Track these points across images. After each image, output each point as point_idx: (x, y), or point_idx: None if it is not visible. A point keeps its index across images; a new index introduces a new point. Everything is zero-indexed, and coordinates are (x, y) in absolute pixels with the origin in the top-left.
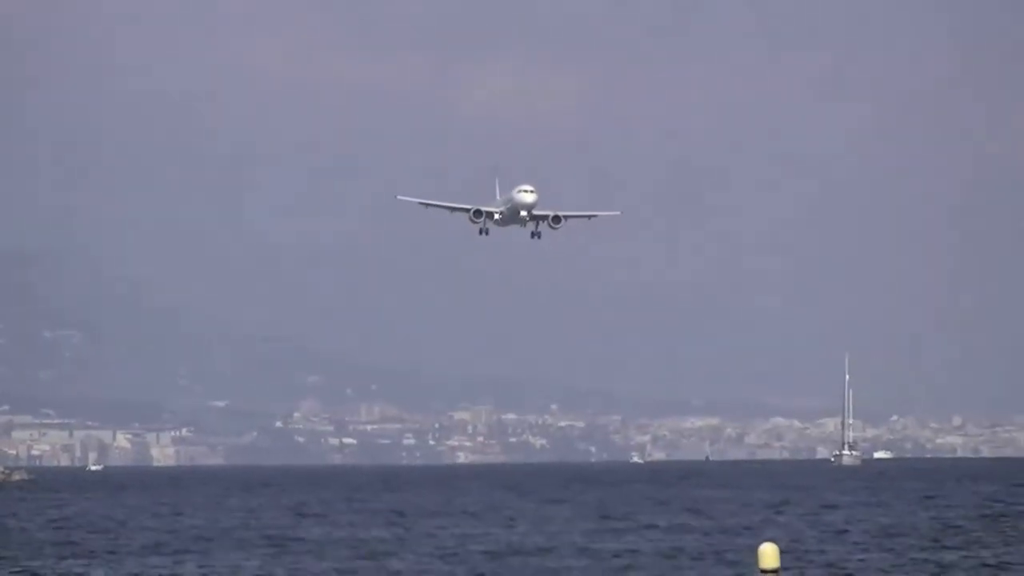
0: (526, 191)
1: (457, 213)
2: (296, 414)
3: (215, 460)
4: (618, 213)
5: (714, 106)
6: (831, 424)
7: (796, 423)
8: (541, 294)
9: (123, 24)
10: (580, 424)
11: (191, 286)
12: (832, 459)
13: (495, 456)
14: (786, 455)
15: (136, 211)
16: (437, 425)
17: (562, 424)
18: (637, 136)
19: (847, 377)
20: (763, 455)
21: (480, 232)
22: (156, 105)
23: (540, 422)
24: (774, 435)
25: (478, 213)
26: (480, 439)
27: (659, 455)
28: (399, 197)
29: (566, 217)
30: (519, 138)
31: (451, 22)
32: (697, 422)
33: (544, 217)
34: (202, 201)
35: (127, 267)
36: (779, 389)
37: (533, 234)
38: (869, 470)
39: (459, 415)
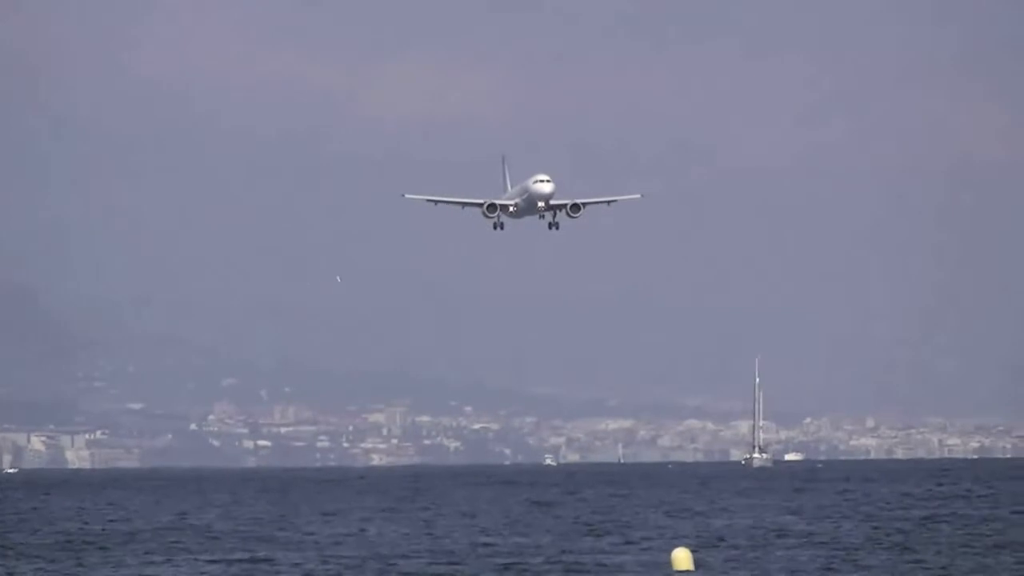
0: (543, 181)
1: (469, 208)
2: (211, 416)
3: (130, 463)
4: (638, 196)
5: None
6: (744, 426)
7: (710, 425)
8: (455, 294)
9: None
10: (495, 426)
11: (107, 288)
12: (743, 461)
13: (409, 458)
14: (700, 457)
15: (45, 209)
16: (351, 427)
17: (476, 426)
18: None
19: (757, 379)
20: (677, 457)
21: (495, 227)
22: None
23: (454, 424)
24: (688, 437)
25: (492, 207)
26: (394, 441)
27: (573, 457)
28: (406, 195)
29: (584, 204)
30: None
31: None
32: (611, 424)
33: (562, 206)
34: (121, 198)
35: (38, 267)
36: (693, 391)
37: (551, 225)
38: (767, 473)
39: (373, 417)
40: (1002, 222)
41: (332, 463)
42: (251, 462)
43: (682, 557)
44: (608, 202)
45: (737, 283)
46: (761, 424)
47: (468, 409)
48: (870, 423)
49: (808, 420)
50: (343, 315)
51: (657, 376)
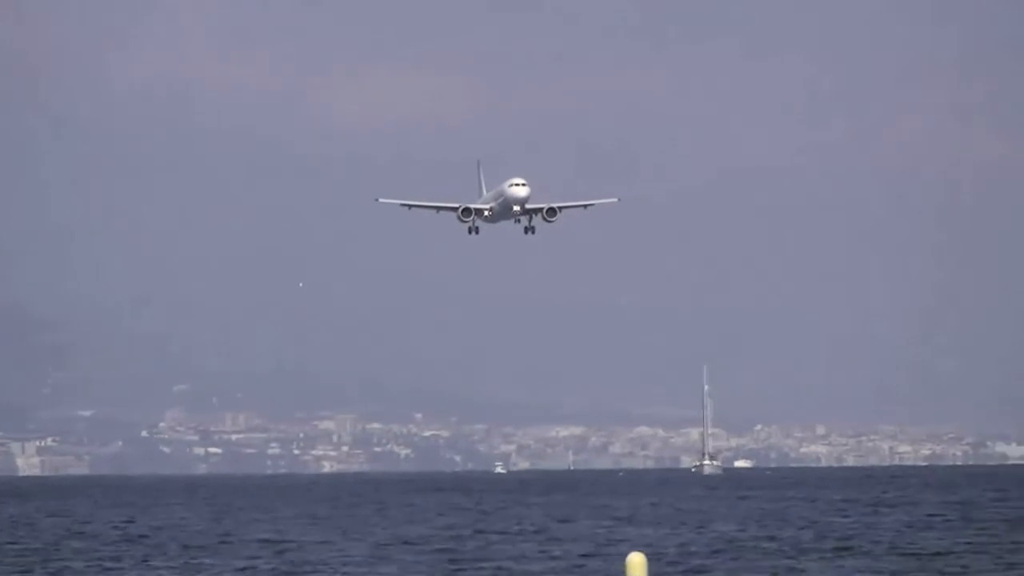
0: (518, 184)
1: (444, 213)
2: (162, 424)
3: (81, 470)
4: (615, 200)
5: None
6: (695, 433)
7: (660, 432)
8: (405, 299)
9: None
10: (445, 433)
11: (59, 294)
12: (693, 469)
13: (360, 465)
14: (651, 464)
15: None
16: (301, 435)
17: (427, 433)
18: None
19: (705, 387)
20: (628, 464)
21: (469, 231)
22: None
23: (405, 431)
24: (639, 444)
25: (467, 211)
26: (345, 448)
27: (524, 464)
28: (380, 200)
29: (561, 209)
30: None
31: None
32: (562, 431)
33: (538, 211)
34: (71, 203)
35: None
36: (644, 398)
37: (527, 229)
38: (714, 480)
39: (324, 424)
40: (986, 225)
41: (283, 470)
42: (202, 469)
43: (637, 562)
44: (585, 206)
45: (693, 289)
46: (711, 431)
47: (419, 416)
48: (821, 431)
49: (759, 427)
50: (295, 321)
51: (608, 383)
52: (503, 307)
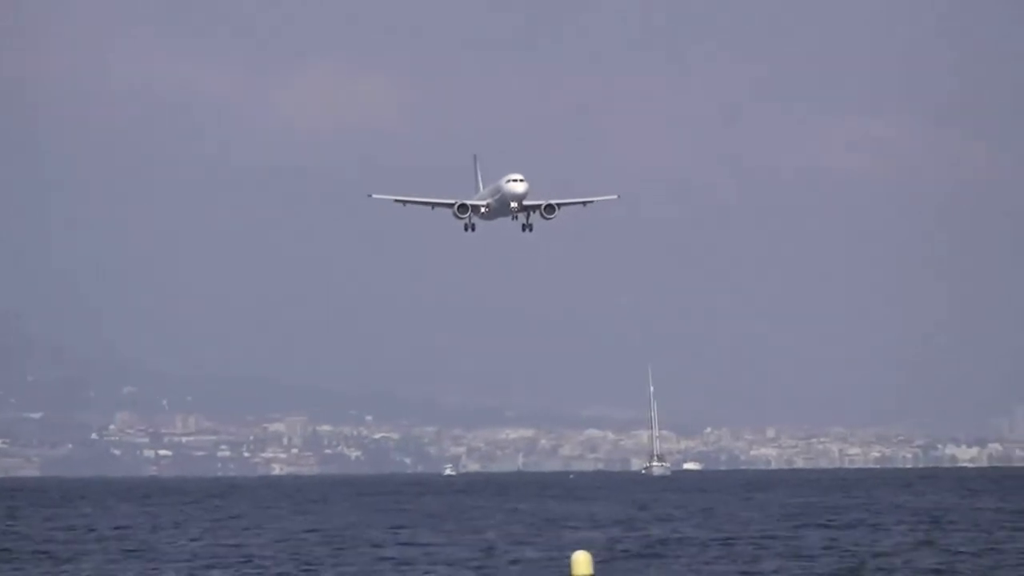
0: (516, 180)
1: (439, 209)
2: (112, 426)
3: (31, 472)
4: (615, 197)
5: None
6: (645, 435)
7: (610, 434)
8: (356, 301)
9: None
10: (395, 435)
11: (4, 297)
12: (642, 471)
13: (310, 468)
14: (601, 466)
15: None
16: (252, 437)
17: (377, 436)
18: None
19: (651, 389)
20: (578, 467)
21: (466, 228)
22: None
23: (355, 433)
24: (588, 446)
25: (463, 208)
26: (295, 451)
27: (474, 467)
28: (373, 196)
29: (560, 205)
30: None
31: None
32: (512, 434)
33: (536, 207)
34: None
35: None
36: (594, 400)
37: (524, 227)
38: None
39: (274, 427)
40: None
41: (233, 472)
42: (152, 471)
43: (582, 560)
44: (584, 203)
45: (644, 291)
46: (661, 434)
47: (369, 418)
48: (771, 433)
49: (709, 430)
50: (245, 324)
51: (558, 386)
52: (453, 311)
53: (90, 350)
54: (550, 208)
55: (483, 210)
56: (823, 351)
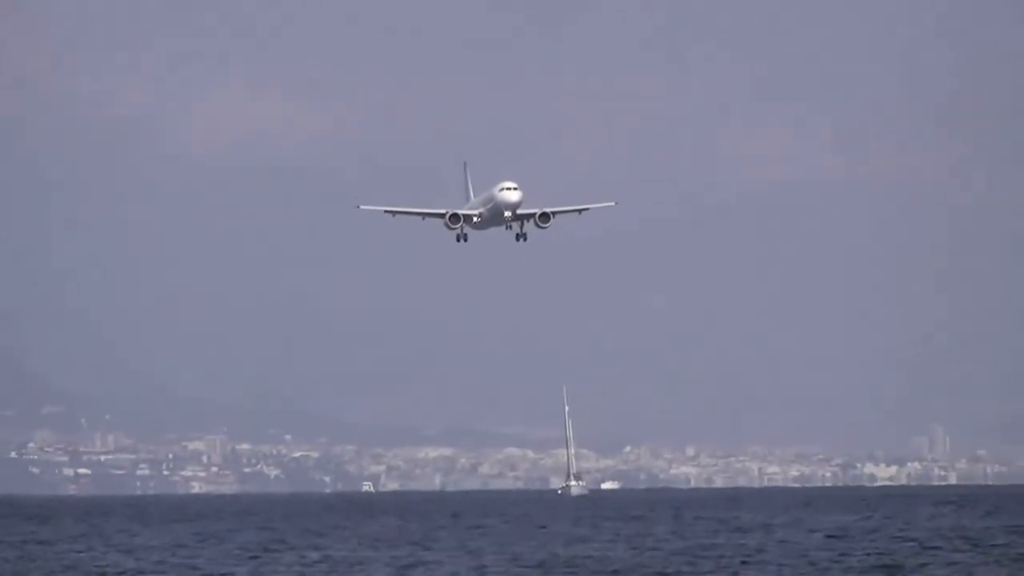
0: (510, 188)
1: (430, 219)
2: (31, 444)
3: None
4: (612, 204)
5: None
6: (564, 454)
7: (530, 453)
8: (274, 317)
9: None
10: (315, 454)
11: None
12: (559, 491)
13: (230, 487)
14: (520, 485)
15: None
16: (171, 455)
17: (296, 454)
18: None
19: (567, 408)
20: (497, 485)
21: (458, 239)
22: None
23: (275, 452)
24: (508, 465)
25: (455, 218)
26: (215, 469)
27: (393, 485)
28: (361, 207)
29: (555, 214)
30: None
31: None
32: (431, 452)
33: (530, 216)
34: None
35: None
36: (513, 418)
37: (518, 236)
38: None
39: (193, 445)
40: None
41: (152, 491)
42: (71, 490)
43: None
44: (580, 211)
45: (563, 311)
46: (579, 452)
47: (288, 437)
48: (690, 451)
49: (628, 449)
50: (161, 341)
51: (477, 403)
52: (373, 326)
53: (8, 368)
54: (545, 217)
55: (475, 220)
56: (742, 367)
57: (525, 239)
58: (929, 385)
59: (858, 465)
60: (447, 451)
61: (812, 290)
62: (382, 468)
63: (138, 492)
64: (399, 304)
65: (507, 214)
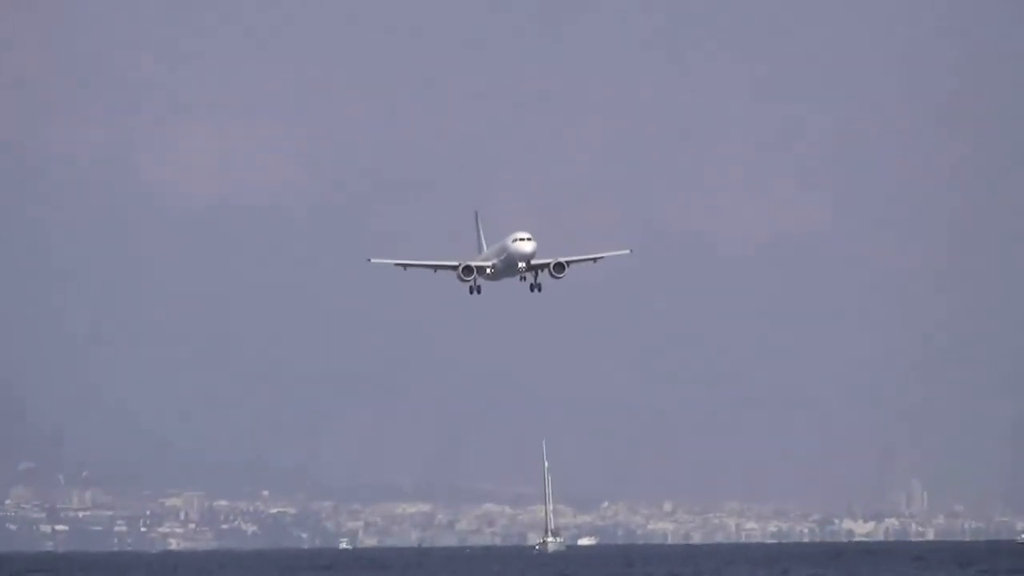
0: (523, 239)
1: (442, 272)
2: (7, 501)
3: None
4: (628, 251)
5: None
6: (542, 510)
7: (508, 509)
8: (253, 374)
9: None
10: (292, 510)
11: None
12: (536, 547)
13: (207, 543)
14: (498, 541)
15: None
16: (148, 512)
17: (274, 510)
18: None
19: (546, 463)
20: (474, 541)
21: (471, 291)
22: None
23: (252, 508)
24: (486, 521)
25: (468, 270)
26: (192, 526)
27: (370, 541)
28: (372, 260)
29: (569, 263)
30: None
31: None
32: (408, 508)
33: (544, 266)
34: None
35: None
36: (491, 474)
37: (532, 287)
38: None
39: (170, 501)
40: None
41: (130, 547)
42: (48, 546)
43: None
44: (595, 259)
45: (543, 361)
46: (557, 508)
47: (266, 493)
48: (667, 507)
49: (605, 504)
50: (136, 398)
51: (453, 459)
52: (347, 379)
53: None
54: (559, 267)
55: (488, 271)
56: (724, 421)
57: (540, 290)
58: (907, 439)
59: (836, 520)
60: (424, 507)
61: (794, 328)
62: (360, 524)
63: (115, 548)
64: (375, 357)
65: (521, 265)
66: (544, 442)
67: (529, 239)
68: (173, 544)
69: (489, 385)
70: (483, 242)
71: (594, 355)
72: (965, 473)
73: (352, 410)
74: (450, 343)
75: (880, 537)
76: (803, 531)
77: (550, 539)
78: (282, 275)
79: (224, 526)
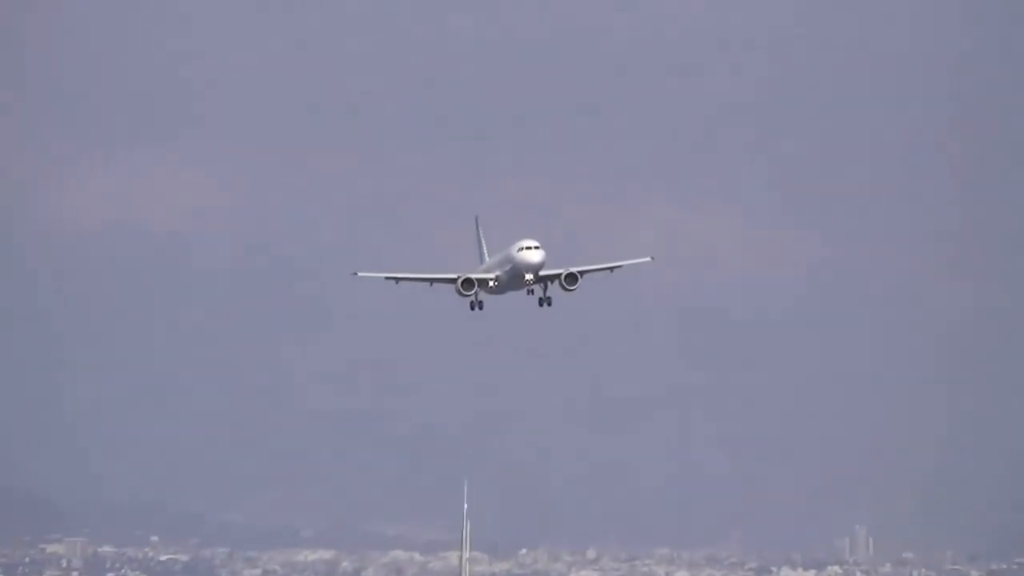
0: (531, 248)
1: (439, 286)
2: None
3: None
4: (649, 259)
5: None
6: (455, 557)
7: (417, 556)
8: (141, 411)
9: None
10: (184, 557)
11: None
12: None
13: None
14: None
15: None
16: (27, 559)
17: (163, 558)
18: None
19: (465, 507)
20: None
21: (472, 307)
22: None
23: (140, 555)
24: (394, 569)
25: (468, 283)
26: (75, 574)
27: None
28: (359, 274)
29: (583, 273)
30: None
31: None
32: (311, 555)
33: (554, 277)
34: None
35: None
36: (400, 519)
37: (541, 301)
38: None
39: (52, 548)
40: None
41: None
42: None
43: None
44: (612, 268)
45: (462, 399)
46: (472, 555)
47: (155, 539)
48: (591, 554)
49: (524, 551)
50: (21, 436)
51: (358, 502)
52: (249, 416)
53: None
54: (571, 278)
55: (491, 284)
56: (653, 465)
57: (549, 304)
58: (851, 482)
59: (773, 569)
60: (327, 554)
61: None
62: (257, 572)
63: None
64: (275, 391)
65: (528, 276)
66: (465, 484)
67: (537, 248)
68: None
69: (403, 424)
70: (485, 253)
71: (519, 382)
72: (914, 517)
73: (250, 449)
74: (362, 383)
75: None
76: None
77: None
78: (183, 306)
79: (110, 574)
